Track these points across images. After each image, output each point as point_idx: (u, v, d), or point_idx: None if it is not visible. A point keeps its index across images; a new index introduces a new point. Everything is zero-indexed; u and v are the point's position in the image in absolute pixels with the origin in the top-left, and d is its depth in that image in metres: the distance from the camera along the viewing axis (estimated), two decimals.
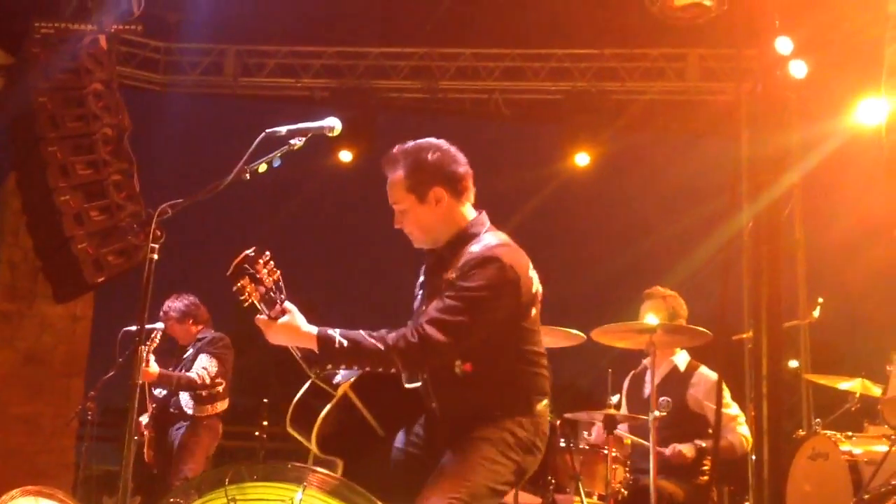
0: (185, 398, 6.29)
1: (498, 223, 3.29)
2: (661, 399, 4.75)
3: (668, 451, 4.91)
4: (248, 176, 3.14)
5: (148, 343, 5.84)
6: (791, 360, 8.33)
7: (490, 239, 3.15)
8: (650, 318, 5.07)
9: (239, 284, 2.97)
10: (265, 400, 5.78)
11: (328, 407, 3.13)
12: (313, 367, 3.13)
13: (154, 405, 6.38)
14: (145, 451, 6.34)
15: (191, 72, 9.73)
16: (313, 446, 3.10)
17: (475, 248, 3.11)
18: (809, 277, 8.25)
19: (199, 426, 6.26)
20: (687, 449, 4.93)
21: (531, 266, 3.19)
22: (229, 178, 3.13)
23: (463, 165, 3.23)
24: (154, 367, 5.86)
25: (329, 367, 3.11)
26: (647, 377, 5.00)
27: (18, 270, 8.97)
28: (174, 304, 6.46)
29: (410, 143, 3.24)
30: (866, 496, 4.25)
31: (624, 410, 5.25)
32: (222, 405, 6.36)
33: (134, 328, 5.81)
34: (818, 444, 4.85)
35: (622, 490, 4.72)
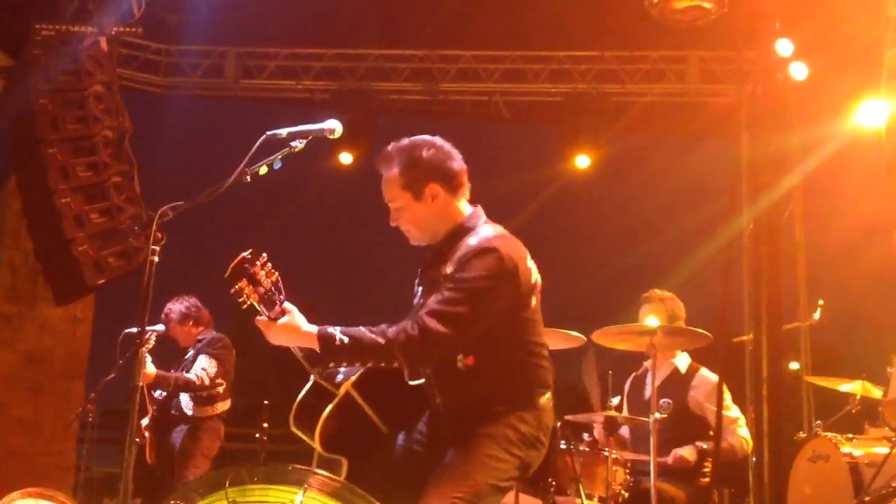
0: (185, 399, 6.29)
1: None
2: (662, 401, 4.75)
3: (669, 459, 4.91)
4: (248, 178, 3.15)
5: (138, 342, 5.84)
6: (791, 362, 8.33)
7: (487, 231, 3.16)
8: (650, 320, 5.07)
9: (237, 286, 2.98)
10: (265, 402, 5.76)
11: (331, 406, 3.13)
12: (315, 367, 3.13)
13: (154, 407, 6.38)
14: (147, 452, 6.34)
15: (191, 74, 9.74)
16: (317, 445, 3.10)
17: (472, 240, 3.11)
18: (810, 279, 8.24)
19: (199, 429, 6.26)
20: (688, 452, 4.93)
21: (528, 256, 3.20)
22: (230, 180, 3.13)
23: (458, 161, 3.23)
24: (151, 369, 5.86)
25: (331, 365, 3.11)
26: (648, 379, 5.00)
27: (19, 273, 8.98)
28: (175, 307, 6.46)
29: (405, 141, 3.23)
30: (867, 498, 4.25)
31: (625, 412, 5.25)
32: (223, 406, 6.35)
33: (134, 330, 5.83)
34: (819, 446, 4.85)
35: (623, 492, 4.72)
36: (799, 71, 6.55)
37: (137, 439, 5.90)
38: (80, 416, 6.15)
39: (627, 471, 4.81)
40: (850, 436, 4.88)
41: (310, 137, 3.22)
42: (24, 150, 7.95)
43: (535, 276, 3.20)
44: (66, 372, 9.01)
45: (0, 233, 9.12)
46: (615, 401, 4.97)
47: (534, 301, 3.18)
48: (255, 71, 9.78)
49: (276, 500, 2.99)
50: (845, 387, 5.39)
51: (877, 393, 5.19)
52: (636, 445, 5.05)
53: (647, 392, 4.96)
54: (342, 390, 3.15)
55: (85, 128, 7.67)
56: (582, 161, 9.43)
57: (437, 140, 3.24)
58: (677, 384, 5.17)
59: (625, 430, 5.16)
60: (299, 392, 3.22)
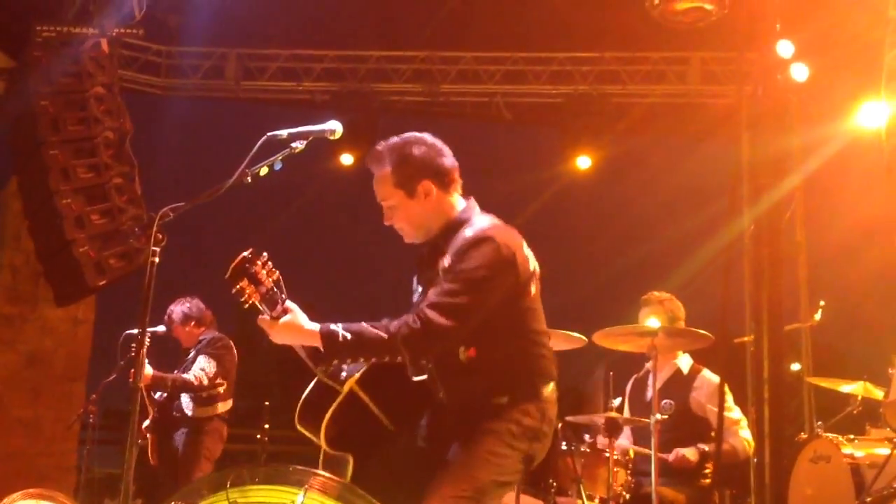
0: (185, 400, 6.28)
1: None
2: (664, 402, 4.75)
3: (671, 456, 4.90)
4: (249, 179, 3.15)
5: (134, 346, 5.85)
6: (793, 363, 8.32)
7: (482, 222, 3.16)
8: (651, 321, 5.07)
9: (238, 286, 2.98)
10: (266, 402, 5.77)
11: (336, 403, 3.13)
12: (319, 365, 3.13)
13: (155, 409, 6.38)
14: (149, 454, 6.33)
15: (192, 75, 9.74)
16: (322, 443, 3.10)
17: (468, 231, 3.12)
18: (811, 280, 8.23)
19: (201, 431, 6.25)
20: (690, 453, 4.93)
21: (525, 244, 3.20)
22: (231, 181, 3.14)
23: (449, 157, 3.24)
24: (147, 370, 5.85)
25: (335, 362, 3.10)
26: (650, 380, 5.00)
27: (20, 274, 8.98)
28: (176, 308, 6.47)
29: (394, 139, 3.23)
30: (868, 499, 4.25)
31: (626, 414, 5.25)
32: (223, 406, 6.34)
33: (135, 331, 5.83)
34: (820, 447, 4.84)
35: (624, 493, 4.72)
36: (800, 72, 6.55)
37: (140, 441, 5.93)
38: (81, 418, 6.16)
39: (629, 472, 4.81)
40: (852, 437, 4.88)
41: (310, 138, 3.22)
42: (25, 152, 7.96)
43: (533, 264, 3.21)
44: (67, 373, 9.01)
45: (1, 234, 9.13)
46: (616, 402, 4.98)
47: (533, 289, 3.18)
48: (255, 72, 9.79)
49: (276, 500, 2.99)
50: (846, 388, 5.38)
51: (878, 394, 5.19)
52: (638, 446, 5.05)
53: (649, 393, 4.96)
54: (346, 388, 3.15)
55: (86, 129, 7.68)
56: (583, 162, 9.44)
57: (427, 137, 3.24)
58: (680, 385, 5.17)
59: (626, 432, 5.15)
60: (301, 392, 3.22)
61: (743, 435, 5.06)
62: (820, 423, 5.52)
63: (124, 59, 9.14)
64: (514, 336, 3.13)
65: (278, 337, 3.06)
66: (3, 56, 8.68)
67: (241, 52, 9.76)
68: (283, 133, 3.19)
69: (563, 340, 4.86)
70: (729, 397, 5.11)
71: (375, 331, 2.99)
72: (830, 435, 4.90)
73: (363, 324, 3.02)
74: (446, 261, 3.08)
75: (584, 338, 4.88)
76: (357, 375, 3.17)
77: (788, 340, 7.71)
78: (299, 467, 3.08)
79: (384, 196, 3.22)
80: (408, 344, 2.99)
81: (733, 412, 5.13)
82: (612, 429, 4.69)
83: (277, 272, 3.04)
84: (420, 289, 3.28)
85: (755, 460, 4.92)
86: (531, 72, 9.58)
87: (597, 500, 4.67)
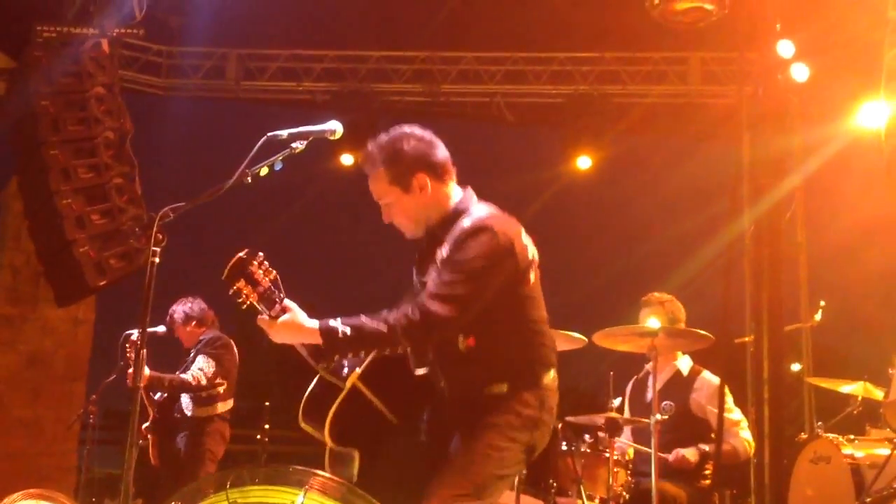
0: (185, 401, 6.28)
1: None
2: (665, 403, 4.75)
3: (671, 456, 4.90)
4: (249, 179, 3.15)
5: (129, 346, 5.86)
6: (793, 364, 8.32)
7: (479, 211, 3.17)
8: (652, 321, 5.06)
9: (235, 287, 2.98)
10: (267, 403, 5.77)
11: (339, 399, 3.13)
12: (320, 362, 3.13)
13: (155, 409, 6.37)
14: (151, 454, 6.33)
15: (192, 75, 9.75)
16: (327, 439, 3.10)
17: (466, 221, 3.12)
18: (811, 280, 8.24)
19: (201, 432, 6.23)
20: (690, 453, 4.93)
21: (524, 232, 3.20)
22: (231, 181, 3.14)
23: (440, 148, 3.24)
24: (144, 370, 5.84)
25: (336, 358, 3.10)
26: (650, 381, 5.00)
27: (20, 274, 8.99)
28: (177, 308, 6.46)
29: (383, 137, 3.23)
30: (868, 500, 4.25)
31: (627, 415, 5.25)
32: (224, 406, 6.32)
33: (134, 331, 5.83)
34: (820, 447, 4.84)
35: (624, 493, 4.71)
36: (800, 72, 6.56)
37: (140, 441, 5.93)
38: (82, 418, 6.16)
39: (629, 472, 4.81)
40: (852, 437, 4.88)
41: (310, 139, 3.23)
42: (26, 152, 7.96)
43: (532, 252, 3.21)
44: (67, 373, 9.01)
45: (1, 234, 9.13)
46: (616, 402, 4.97)
47: (532, 277, 3.18)
48: (256, 72, 9.79)
49: (277, 501, 2.99)
50: (847, 388, 5.38)
51: (878, 394, 5.19)
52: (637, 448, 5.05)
53: (650, 394, 4.96)
54: (349, 383, 3.15)
55: (86, 129, 7.68)
56: (583, 162, 9.44)
57: (417, 130, 3.24)
58: (679, 386, 5.17)
59: (626, 432, 5.15)
60: (302, 392, 3.22)
61: (743, 436, 5.06)
62: (820, 423, 5.53)
63: (125, 59, 9.15)
64: (513, 324, 3.13)
65: (278, 336, 3.06)
66: (3, 56, 8.69)
67: (241, 52, 9.76)
68: (284, 133, 3.20)
69: (564, 341, 4.85)
70: (729, 398, 5.11)
71: (375, 324, 2.99)
72: (830, 435, 4.91)
73: (362, 317, 3.02)
74: (444, 251, 3.09)
75: (584, 338, 4.87)
76: (359, 371, 3.17)
77: (788, 341, 7.71)
78: (299, 468, 3.07)
79: (380, 194, 3.22)
80: (408, 335, 3.00)
81: (734, 413, 5.13)
82: (612, 429, 4.69)
83: (274, 272, 3.03)
84: (419, 279, 3.28)
85: (755, 461, 4.92)
86: (532, 72, 9.58)
87: (597, 501, 4.67)
